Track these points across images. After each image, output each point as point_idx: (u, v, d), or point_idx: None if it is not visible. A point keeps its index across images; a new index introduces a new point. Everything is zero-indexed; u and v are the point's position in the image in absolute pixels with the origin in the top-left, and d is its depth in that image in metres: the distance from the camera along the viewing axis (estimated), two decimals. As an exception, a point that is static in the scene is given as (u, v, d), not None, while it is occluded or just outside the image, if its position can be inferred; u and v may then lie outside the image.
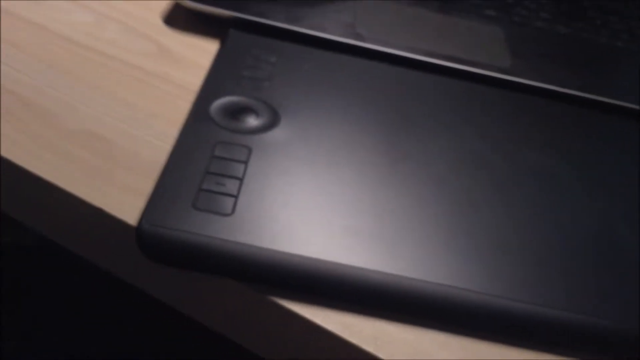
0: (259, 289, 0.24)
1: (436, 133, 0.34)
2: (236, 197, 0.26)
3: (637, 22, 0.51)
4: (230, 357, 0.36)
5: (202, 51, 0.37)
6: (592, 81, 0.42)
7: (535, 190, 0.31)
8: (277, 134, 0.30)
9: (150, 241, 0.24)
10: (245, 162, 0.28)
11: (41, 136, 0.28)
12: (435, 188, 0.30)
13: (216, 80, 0.33)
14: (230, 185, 0.27)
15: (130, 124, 0.30)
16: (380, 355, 0.23)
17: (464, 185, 0.30)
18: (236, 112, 0.31)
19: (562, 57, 0.44)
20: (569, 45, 0.46)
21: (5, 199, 0.28)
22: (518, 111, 0.38)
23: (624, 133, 0.39)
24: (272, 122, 0.31)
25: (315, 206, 0.27)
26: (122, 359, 0.37)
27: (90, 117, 0.30)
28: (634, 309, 0.26)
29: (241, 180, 0.27)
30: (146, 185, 0.27)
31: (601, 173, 0.34)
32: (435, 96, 0.37)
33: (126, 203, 0.26)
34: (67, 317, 0.37)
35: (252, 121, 0.31)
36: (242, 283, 0.24)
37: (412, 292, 0.25)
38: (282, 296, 0.24)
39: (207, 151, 0.28)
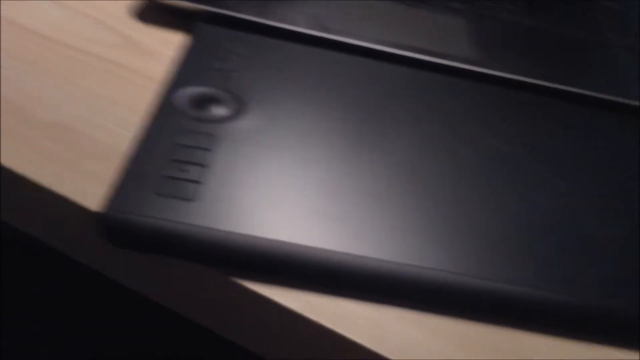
0: (222, 271, 0.25)
1: (402, 122, 0.34)
2: (200, 183, 0.27)
3: (600, 13, 0.52)
4: (197, 339, 0.37)
5: (170, 44, 0.37)
6: (556, 71, 0.43)
7: (498, 176, 0.32)
8: (243, 123, 0.31)
9: (112, 227, 0.24)
10: (211, 150, 0.28)
11: (7, 127, 0.28)
12: (398, 173, 0.30)
13: (183, 71, 0.33)
14: (195, 172, 0.27)
15: (94, 112, 0.30)
16: (340, 331, 0.24)
17: (427, 170, 0.31)
18: (202, 102, 0.31)
19: (527, 49, 0.45)
20: (533, 37, 0.47)
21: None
22: (483, 101, 0.39)
23: (587, 121, 0.40)
24: (239, 112, 0.31)
25: (280, 191, 0.27)
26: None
27: (56, 109, 0.30)
28: (595, 285, 0.27)
29: (206, 167, 0.27)
30: (109, 172, 0.27)
31: (564, 160, 0.35)
32: (401, 87, 0.38)
33: (90, 190, 0.26)
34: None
35: (219, 110, 0.31)
36: (205, 266, 0.25)
37: (373, 271, 0.25)
38: (246, 278, 0.25)
39: (172, 139, 0.28)
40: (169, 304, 0.27)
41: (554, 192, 0.32)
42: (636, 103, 0.41)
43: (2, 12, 0.35)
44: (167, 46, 0.37)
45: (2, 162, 0.27)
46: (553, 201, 0.31)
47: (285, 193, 0.27)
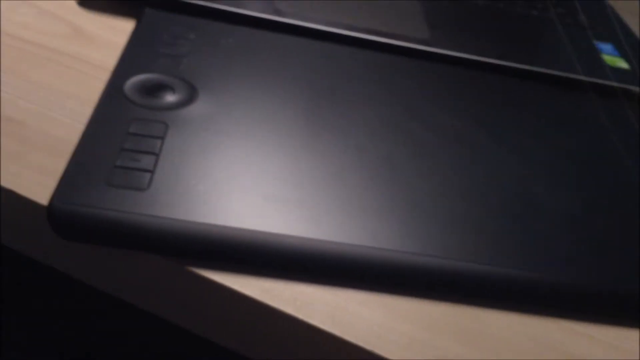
0: (177, 261, 0.24)
1: (357, 104, 0.34)
2: (152, 172, 0.26)
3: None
4: (154, 331, 0.36)
5: (118, 31, 0.36)
6: (508, 49, 0.43)
7: (453, 154, 0.32)
8: (194, 109, 0.30)
9: (61, 219, 0.24)
10: (162, 138, 0.28)
11: (-53, 121, 0.27)
12: (355, 155, 0.30)
13: (131, 58, 0.32)
14: (146, 161, 0.26)
15: (44, 105, 0.30)
16: (299, 316, 0.24)
17: (383, 151, 0.31)
18: (152, 89, 0.31)
19: (479, 28, 0.45)
20: (486, 16, 0.47)
21: None
22: (437, 80, 0.39)
23: (539, 97, 0.40)
24: (190, 98, 0.31)
25: (234, 177, 0.27)
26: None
27: (3, 101, 0.29)
28: (552, 259, 0.28)
29: (157, 155, 0.27)
30: (60, 165, 0.27)
31: (516, 135, 0.35)
32: (355, 69, 0.38)
33: (39, 183, 0.26)
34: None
35: (169, 97, 0.30)
36: (159, 256, 0.24)
37: (331, 255, 0.25)
38: (201, 266, 0.24)
39: (122, 128, 0.28)
40: (126, 297, 0.26)
41: (508, 168, 0.32)
42: (584, 78, 0.42)
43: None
44: (116, 34, 0.36)
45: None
46: (507, 177, 0.32)
47: (239, 179, 0.27)
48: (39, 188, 0.25)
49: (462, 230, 0.28)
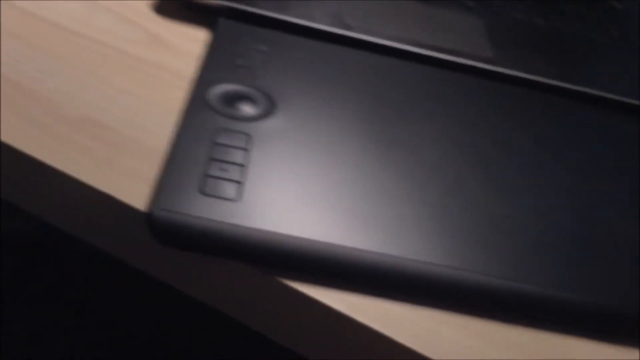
0: (267, 271, 0.25)
1: (426, 121, 0.35)
2: (241, 183, 0.27)
3: (608, 15, 0.53)
4: (241, 339, 0.37)
5: (193, 39, 0.37)
6: (569, 71, 0.43)
7: (521, 176, 0.33)
8: (275, 121, 0.31)
9: (161, 226, 0.24)
10: (247, 149, 0.28)
11: (41, 123, 0.28)
12: (428, 173, 0.31)
13: (211, 68, 0.33)
14: (234, 172, 0.27)
15: (127, 110, 0.30)
16: (386, 333, 0.24)
17: (454, 170, 0.31)
18: (233, 100, 0.31)
19: (541, 48, 0.46)
20: (546, 37, 0.47)
21: (6, 186, 0.28)
22: (501, 100, 0.39)
23: (603, 122, 0.40)
24: (270, 110, 0.31)
25: (317, 190, 0.28)
26: (128, 348, 0.37)
27: (87, 104, 0.30)
28: (617, 286, 0.28)
29: (244, 166, 0.27)
30: (149, 171, 0.27)
31: (578, 158, 0.36)
32: (421, 85, 0.38)
33: (132, 189, 0.26)
34: (69, 306, 0.37)
35: (250, 109, 0.31)
36: (250, 266, 0.25)
37: (412, 273, 0.26)
38: (290, 278, 0.25)
39: (209, 138, 0.28)
40: (214, 303, 0.27)
41: (570, 190, 0.33)
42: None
43: (25, 7, 0.35)
44: (191, 42, 0.37)
45: (43, 159, 0.26)
46: (569, 199, 0.32)
47: (322, 193, 0.28)
48: (133, 194, 0.26)
49: (542, 256, 0.28)
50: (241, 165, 0.28)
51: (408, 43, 0.40)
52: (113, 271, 0.37)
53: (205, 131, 0.29)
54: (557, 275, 0.27)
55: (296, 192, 0.27)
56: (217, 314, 0.27)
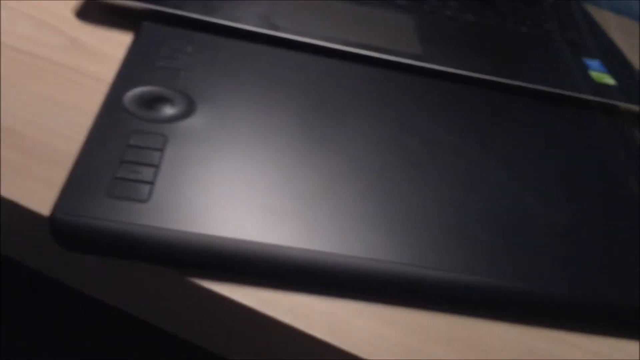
0: (177, 271, 0.25)
1: (351, 118, 0.35)
2: (152, 183, 0.26)
3: (539, 8, 0.54)
4: (155, 341, 0.37)
5: (117, 44, 0.37)
6: (499, 65, 0.44)
7: (446, 167, 0.33)
8: (193, 121, 0.31)
9: (63, 230, 0.24)
10: (161, 150, 0.28)
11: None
12: (349, 168, 0.31)
13: (130, 71, 0.33)
14: (146, 173, 0.27)
15: (45, 117, 0.30)
16: (297, 325, 0.24)
17: (377, 164, 0.32)
18: (151, 102, 0.31)
19: (470, 44, 0.46)
20: (477, 33, 0.48)
21: None
22: (429, 95, 0.40)
23: (527, 112, 0.41)
24: (188, 111, 0.31)
25: (233, 188, 0.27)
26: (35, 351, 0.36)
27: (4, 112, 0.30)
28: (544, 271, 0.28)
29: (157, 167, 0.27)
30: (61, 177, 0.27)
31: (505, 148, 0.36)
32: (349, 83, 0.38)
33: (41, 195, 0.26)
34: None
35: (168, 110, 0.31)
36: (158, 266, 0.25)
37: (325, 265, 0.26)
38: (200, 276, 0.25)
39: (122, 140, 0.28)
40: (127, 307, 0.27)
41: (500, 181, 0.33)
42: (576, 94, 0.43)
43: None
44: (114, 47, 0.36)
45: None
46: (500, 190, 0.33)
47: (237, 190, 0.27)
48: (40, 199, 0.26)
49: (455, 242, 0.28)
50: (154, 166, 0.27)
51: (336, 42, 0.40)
52: (28, 280, 0.36)
53: (118, 133, 0.29)
54: (472, 261, 0.28)
55: (208, 190, 0.27)
56: (131, 317, 0.27)
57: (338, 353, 0.24)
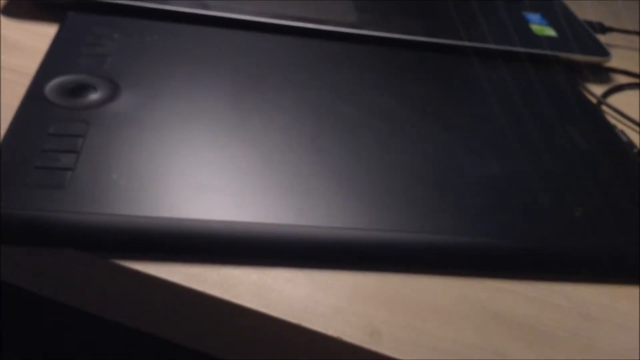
0: (99, 254, 0.25)
1: (284, 90, 0.35)
2: (72, 169, 0.26)
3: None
4: (88, 328, 0.36)
5: (42, 37, 0.36)
6: (437, 26, 0.44)
7: (378, 130, 0.33)
8: (117, 105, 0.30)
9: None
10: (83, 136, 0.28)
11: None
12: (280, 138, 0.31)
13: (52, 61, 0.32)
14: (66, 160, 0.27)
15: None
16: (226, 297, 0.24)
17: (309, 132, 0.31)
18: (74, 90, 0.31)
19: (408, 8, 0.46)
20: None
21: None
22: (365, 62, 0.40)
23: (468, 71, 0.41)
24: (112, 95, 0.31)
25: (157, 168, 0.27)
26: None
27: None
28: (477, 224, 0.28)
29: (78, 153, 0.27)
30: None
31: (444, 109, 0.36)
32: (283, 56, 0.38)
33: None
34: None
35: (91, 96, 0.31)
36: (83, 251, 0.25)
37: (250, 234, 0.25)
38: (125, 258, 0.25)
39: (42, 130, 0.28)
40: (56, 295, 0.27)
41: (435, 140, 0.33)
42: (512, 48, 0.43)
43: None
44: (39, 39, 0.36)
45: None
46: (433, 148, 0.32)
47: (162, 170, 0.27)
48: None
49: (386, 202, 0.28)
50: (74, 152, 0.27)
51: (269, 16, 0.40)
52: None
53: (38, 124, 0.28)
54: (404, 218, 0.27)
55: (130, 171, 0.27)
56: (64, 306, 0.27)
57: (271, 321, 0.24)
